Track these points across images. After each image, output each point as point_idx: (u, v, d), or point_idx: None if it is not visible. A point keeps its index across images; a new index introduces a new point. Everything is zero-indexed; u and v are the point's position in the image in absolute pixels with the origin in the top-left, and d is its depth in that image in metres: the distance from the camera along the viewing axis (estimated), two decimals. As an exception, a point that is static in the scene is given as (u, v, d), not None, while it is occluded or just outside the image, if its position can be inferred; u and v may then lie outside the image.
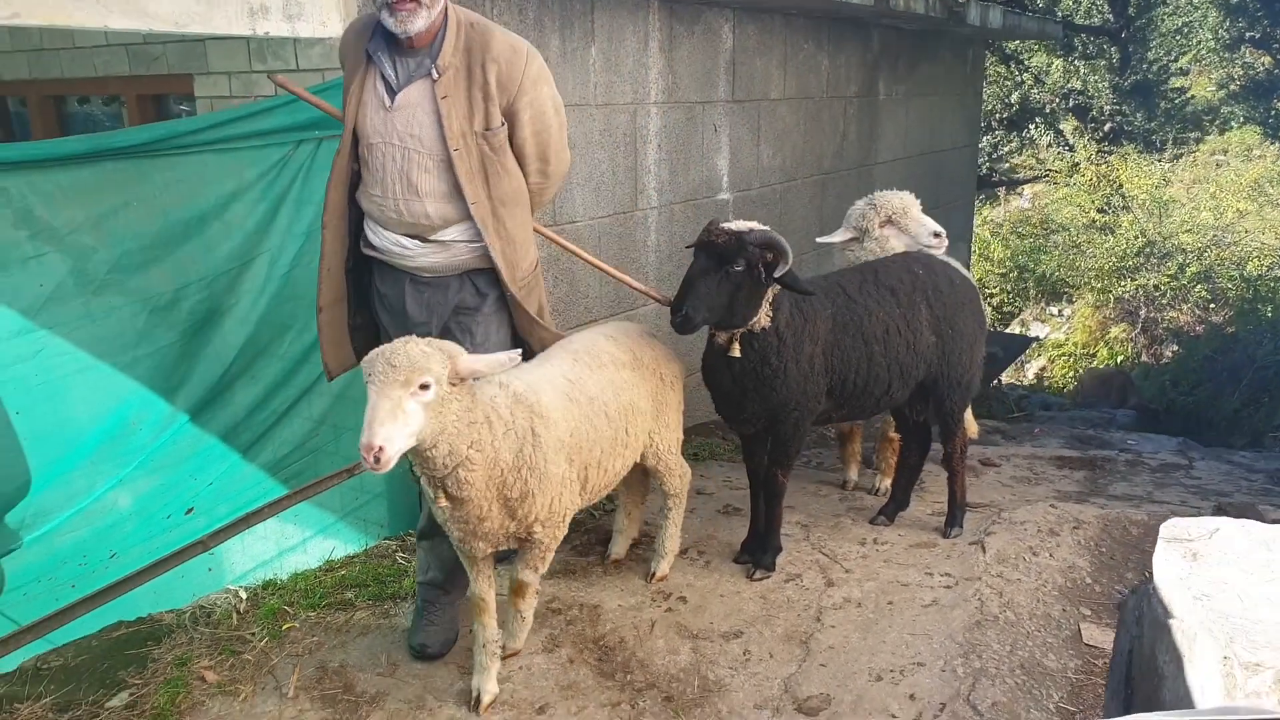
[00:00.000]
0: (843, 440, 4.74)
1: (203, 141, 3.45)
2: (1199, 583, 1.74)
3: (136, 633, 3.29)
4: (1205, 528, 1.91)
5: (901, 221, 4.24)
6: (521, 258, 3.05)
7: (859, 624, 3.33)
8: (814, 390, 3.49)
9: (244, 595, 3.49)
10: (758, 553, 3.74)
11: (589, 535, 4.06)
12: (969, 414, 4.34)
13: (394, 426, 2.31)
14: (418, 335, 2.51)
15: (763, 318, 3.30)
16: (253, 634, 3.26)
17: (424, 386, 2.36)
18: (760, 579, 3.64)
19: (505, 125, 2.89)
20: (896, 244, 4.21)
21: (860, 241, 4.31)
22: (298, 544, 4.12)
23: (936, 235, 4.22)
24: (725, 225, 3.18)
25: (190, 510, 3.66)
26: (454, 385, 2.45)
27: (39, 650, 3.18)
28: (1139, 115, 16.84)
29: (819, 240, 4.63)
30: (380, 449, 2.26)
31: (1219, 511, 4.29)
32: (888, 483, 4.47)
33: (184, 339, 3.61)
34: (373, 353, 2.42)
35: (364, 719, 2.89)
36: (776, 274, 3.11)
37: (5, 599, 3.33)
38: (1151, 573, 1.89)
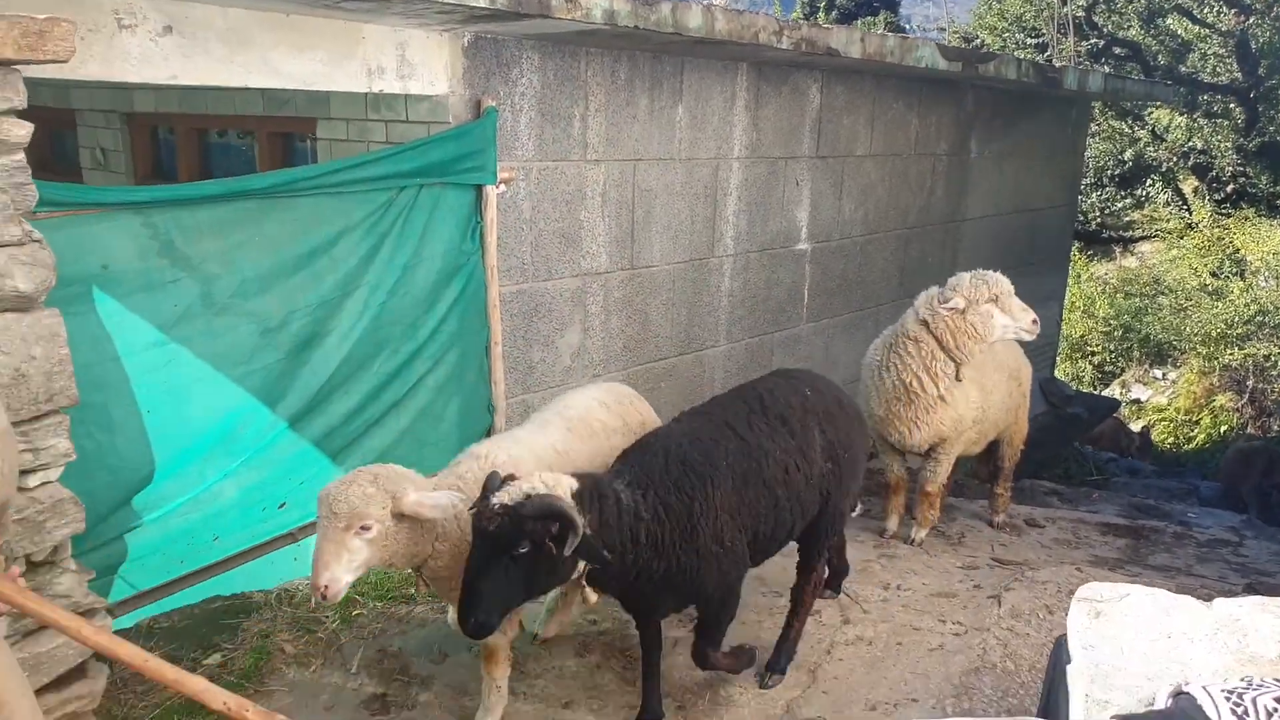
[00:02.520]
0: (888, 492, 4.97)
1: (318, 186, 3.97)
2: (1091, 637, 2.00)
3: (230, 606, 3.81)
4: (1117, 592, 2.14)
5: (1006, 303, 4.42)
6: None
7: (866, 660, 3.58)
8: (731, 562, 2.99)
9: (323, 583, 3.97)
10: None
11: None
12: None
13: (338, 567, 2.56)
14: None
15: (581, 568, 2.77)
16: (326, 617, 3.74)
17: (365, 527, 2.57)
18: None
19: None
20: (996, 323, 4.40)
21: (963, 312, 4.41)
22: (374, 544, 4.59)
23: (1035, 322, 4.43)
24: (496, 499, 2.57)
25: (283, 504, 4.16)
26: (399, 519, 2.60)
27: (152, 612, 3.74)
28: (1264, 177, 16.25)
29: (935, 304, 4.52)
30: (326, 588, 2.54)
31: (1250, 590, 4.34)
32: (923, 533, 4.69)
33: (288, 357, 4.10)
34: (321, 492, 2.65)
35: (414, 697, 3.31)
36: (567, 550, 2.52)
37: (126, 568, 3.87)
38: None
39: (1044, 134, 9.70)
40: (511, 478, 2.65)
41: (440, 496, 2.64)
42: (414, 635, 3.70)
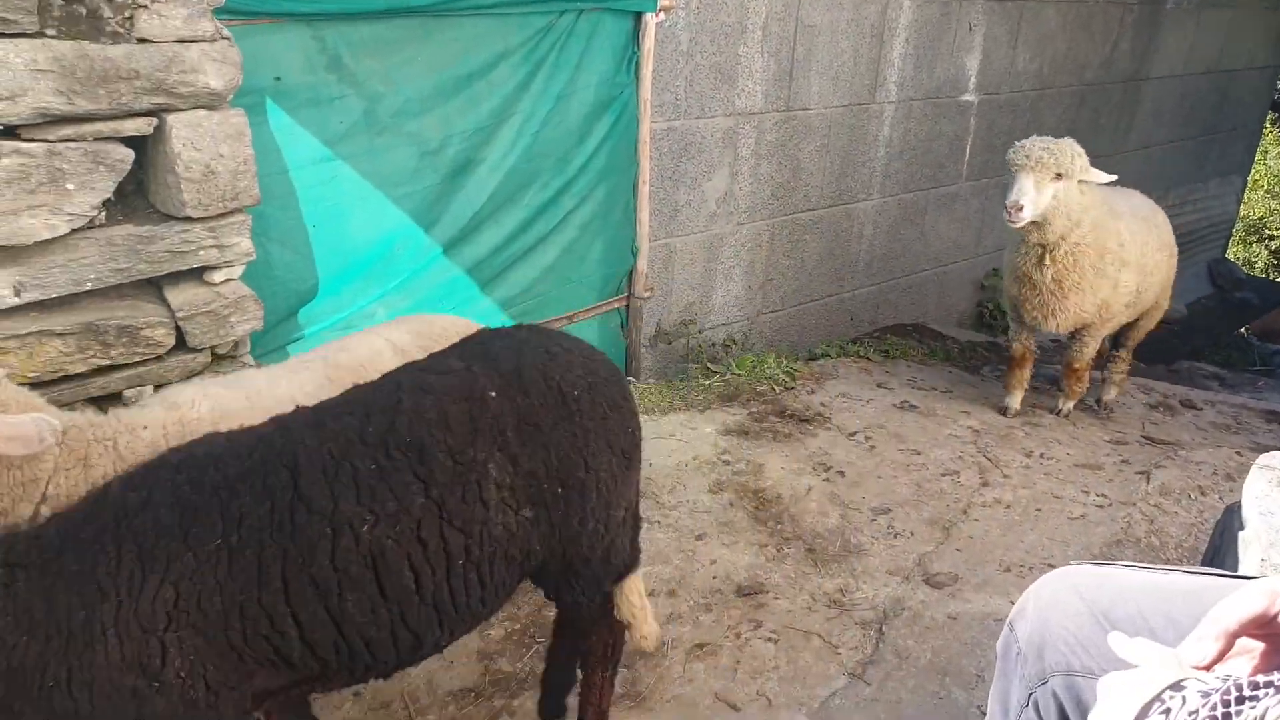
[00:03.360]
0: (1012, 365, 4.63)
1: (480, 6, 3.90)
2: (1270, 504, 1.89)
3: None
4: (1299, 460, 2.01)
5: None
6: None
7: (1003, 523, 3.53)
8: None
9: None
10: None
11: (767, 405, 4.42)
12: None
13: None
14: None
15: None
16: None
17: None
18: None
19: None
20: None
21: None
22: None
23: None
24: None
25: (435, 327, 4.31)
26: None
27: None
28: None
29: (1097, 179, 4.11)
30: None
31: None
32: (1070, 405, 4.52)
33: (444, 181, 4.15)
34: None
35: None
36: None
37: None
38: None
39: (1256, -18, 8.66)
40: None
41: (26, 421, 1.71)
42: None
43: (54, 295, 2.30)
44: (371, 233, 4.00)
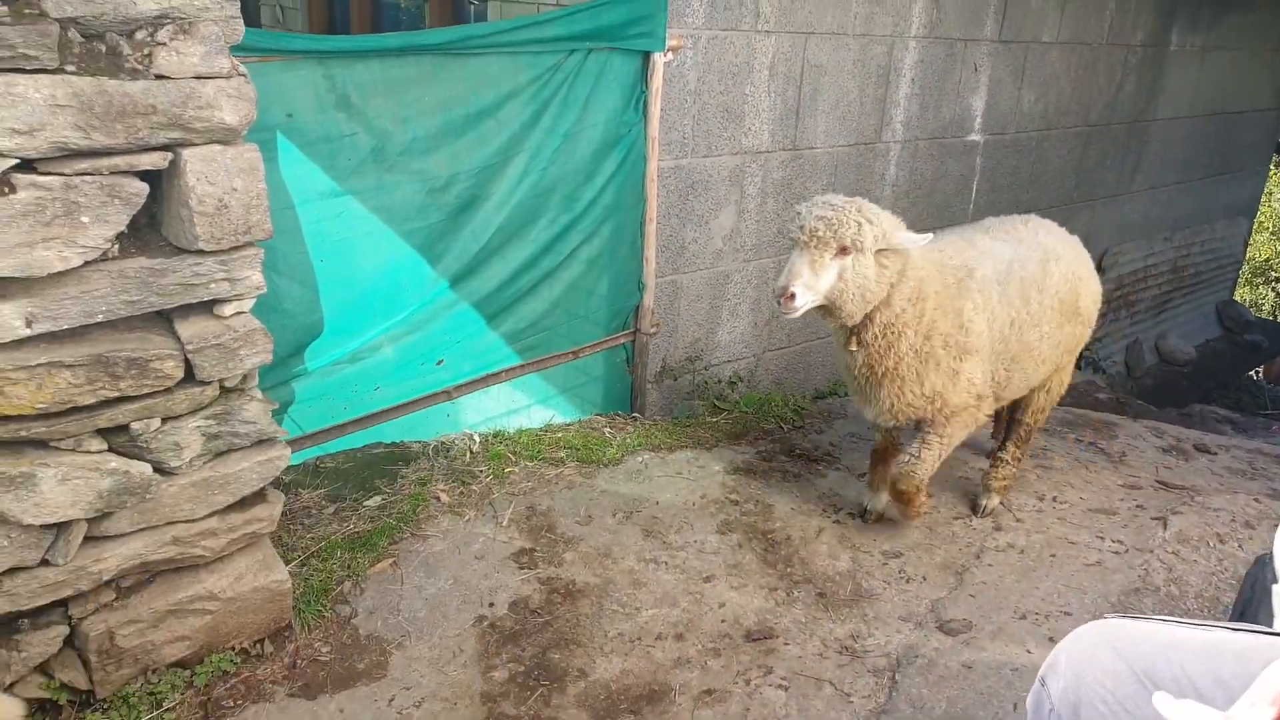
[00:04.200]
0: (871, 459, 3.82)
1: (490, 45, 3.92)
2: (1310, 557, 1.83)
3: (390, 454, 3.98)
4: (1341, 515, 1.96)
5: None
6: None
7: (1017, 568, 3.48)
8: None
9: (477, 439, 4.11)
10: None
11: (775, 443, 4.38)
12: None
13: None
14: None
15: None
16: (480, 471, 3.87)
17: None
18: None
19: None
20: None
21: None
22: (523, 408, 4.71)
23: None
24: None
25: (441, 361, 4.28)
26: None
27: (317, 453, 3.95)
28: None
29: (907, 244, 3.13)
30: None
31: None
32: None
33: (450, 218, 4.15)
34: None
35: (560, 554, 3.42)
36: None
37: (295, 409, 4.08)
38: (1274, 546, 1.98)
39: (1258, 28, 8.74)
40: None
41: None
42: (561, 496, 3.79)
43: (65, 327, 2.27)
44: (378, 266, 4.00)
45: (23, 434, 2.26)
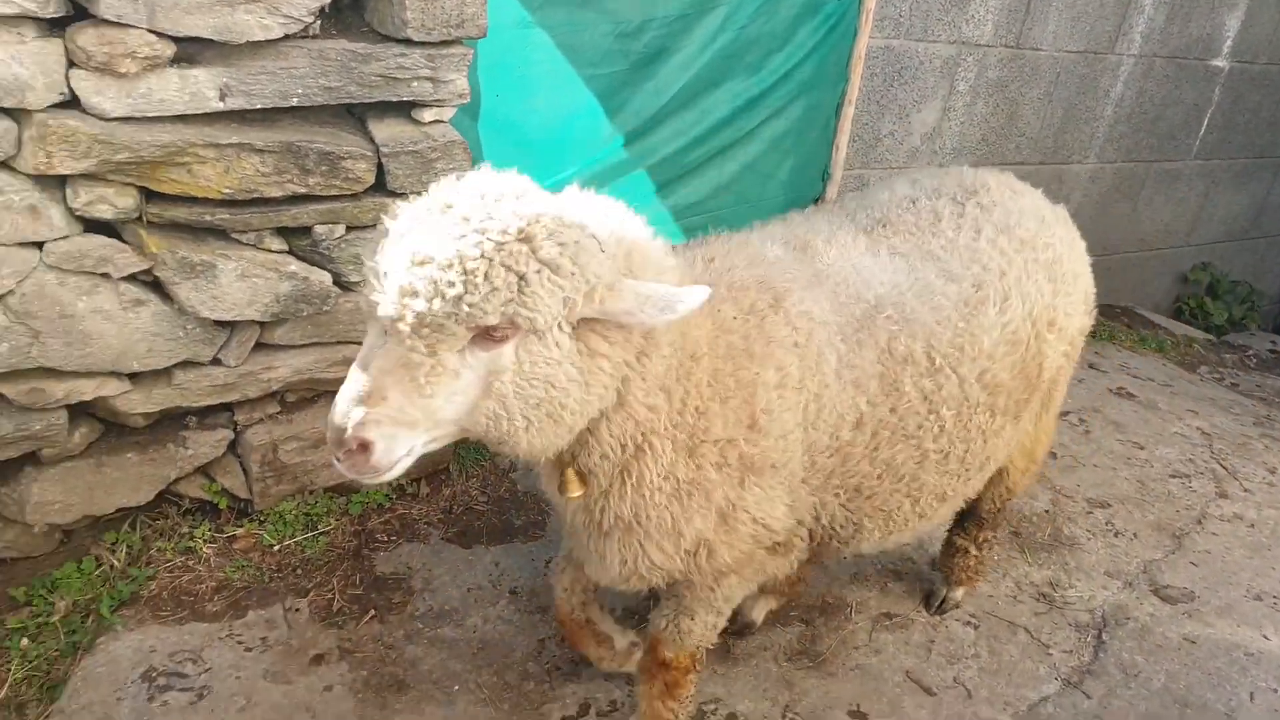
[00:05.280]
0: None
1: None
2: None
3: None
4: None
5: None
6: None
7: (1248, 543, 3.04)
8: None
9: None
10: None
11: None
12: None
13: None
14: None
15: None
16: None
17: None
18: None
19: None
20: None
21: None
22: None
23: None
24: None
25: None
26: None
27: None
28: None
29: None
30: None
31: None
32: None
33: (634, 69, 3.79)
34: None
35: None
36: None
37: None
38: None
39: None
40: None
41: None
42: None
43: (258, 106, 2.04)
44: (555, 109, 3.67)
45: (207, 218, 2.05)
